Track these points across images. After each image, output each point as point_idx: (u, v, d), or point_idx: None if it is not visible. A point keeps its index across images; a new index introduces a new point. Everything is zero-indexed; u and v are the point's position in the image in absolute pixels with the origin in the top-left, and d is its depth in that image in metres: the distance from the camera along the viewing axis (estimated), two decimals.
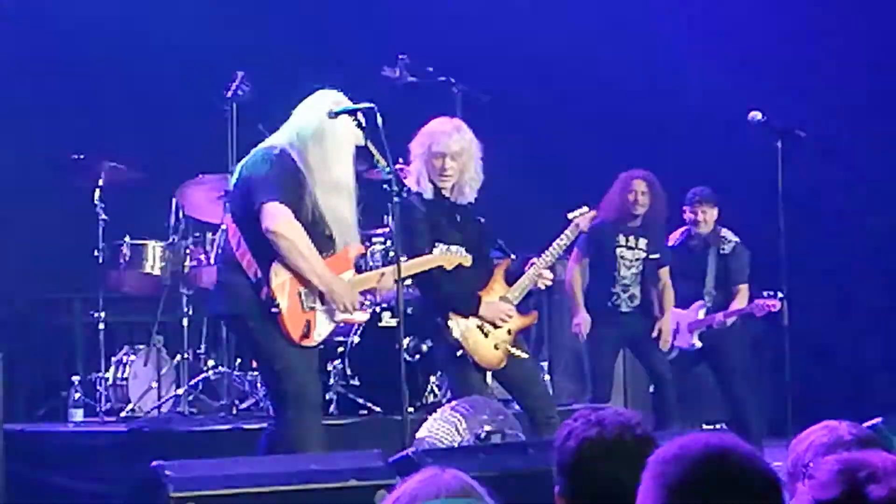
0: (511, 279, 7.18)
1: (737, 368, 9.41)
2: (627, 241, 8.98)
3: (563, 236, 7.43)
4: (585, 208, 7.66)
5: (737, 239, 9.44)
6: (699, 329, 9.34)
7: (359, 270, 6.68)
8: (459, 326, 6.96)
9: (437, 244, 6.89)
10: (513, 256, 7.27)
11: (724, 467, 2.34)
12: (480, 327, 7.00)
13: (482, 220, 7.15)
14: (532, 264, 7.19)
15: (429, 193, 6.98)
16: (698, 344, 9.35)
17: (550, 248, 7.36)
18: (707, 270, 9.40)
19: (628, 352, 9.44)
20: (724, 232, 9.45)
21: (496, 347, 7.03)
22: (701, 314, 9.35)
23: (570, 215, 7.56)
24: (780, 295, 8.48)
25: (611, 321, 8.98)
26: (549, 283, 7.32)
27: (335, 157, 6.19)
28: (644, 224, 9.02)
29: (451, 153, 6.91)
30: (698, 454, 2.36)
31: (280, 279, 6.09)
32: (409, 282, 7.52)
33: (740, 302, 9.34)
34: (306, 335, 6.17)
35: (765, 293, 8.98)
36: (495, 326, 7.03)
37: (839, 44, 11.07)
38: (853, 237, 11.34)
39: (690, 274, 9.37)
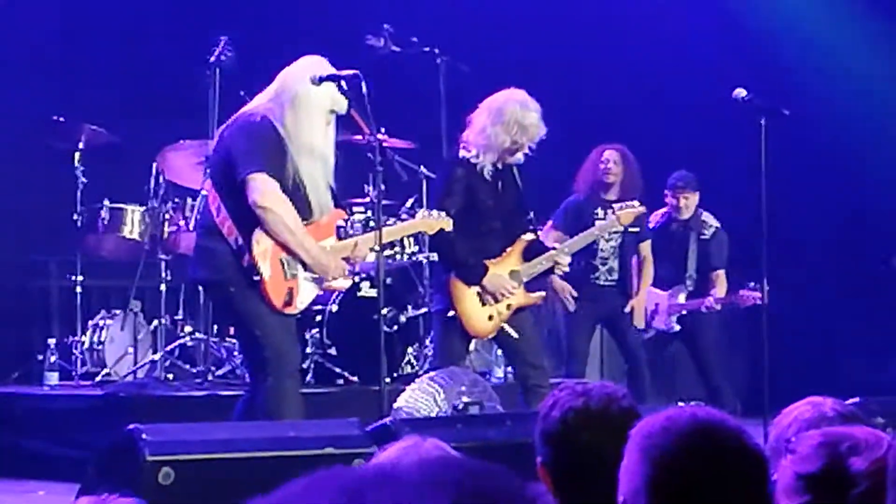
0: (531, 255, 7.15)
1: (711, 347, 9.46)
2: (606, 214, 8.97)
3: (600, 225, 7.50)
4: (637, 202, 7.71)
5: (717, 224, 9.46)
6: (678, 312, 9.36)
7: (338, 237, 6.65)
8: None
9: (445, 209, 6.86)
10: (538, 233, 7.30)
11: (711, 441, 2.33)
12: (480, 295, 6.98)
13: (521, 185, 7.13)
14: (555, 246, 7.21)
15: (488, 168, 6.96)
16: (677, 327, 9.39)
17: (583, 235, 7.43)
18: (688, 254, 9.41)
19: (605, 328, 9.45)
20: (706, 216, 9.46)
21: (490, 318, 7.00)
22: (681, 298, 9.37)
23: (615, 206, 7.62)
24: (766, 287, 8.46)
25: (588, 295, 8.97)
26: (566, 269, 7.33)
27: (308, 122, 6.14)
28: (621, 197, 9.00)
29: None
30: (686, 427, 2.35)
31: (262, 247, 6.05)
32: (397, 248, 7.58)
33: (720, 287, 9.37)
34: (289, 303, 6.14)
35: (750, 284, 8.98)
36: (496, 299, 7.01)
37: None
38: (832, 217, 11.35)
39: (671, 257, 9.38)
